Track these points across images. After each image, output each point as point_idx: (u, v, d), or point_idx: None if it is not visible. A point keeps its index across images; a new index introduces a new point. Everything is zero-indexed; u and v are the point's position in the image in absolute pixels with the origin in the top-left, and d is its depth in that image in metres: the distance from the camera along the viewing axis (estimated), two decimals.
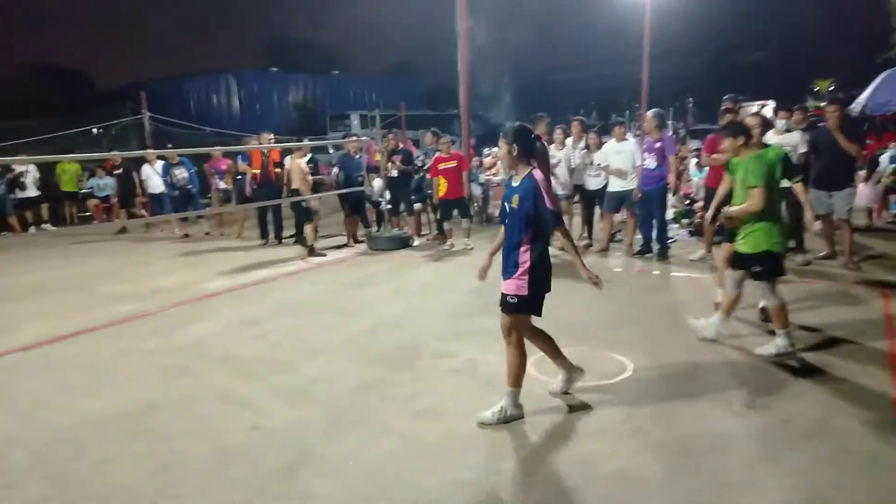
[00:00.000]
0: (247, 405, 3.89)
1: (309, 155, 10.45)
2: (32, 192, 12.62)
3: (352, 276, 7.56)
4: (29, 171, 12.44)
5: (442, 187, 8.95)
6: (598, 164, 8.30)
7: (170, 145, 14.83)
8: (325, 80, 32.84)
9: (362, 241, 9.69)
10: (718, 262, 5.69)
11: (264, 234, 10.31)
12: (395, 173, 9.61)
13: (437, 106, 31.57)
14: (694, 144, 16.04)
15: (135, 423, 3.71)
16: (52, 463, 3.27)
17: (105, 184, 13.35)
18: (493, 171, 11.99)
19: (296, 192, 8.92)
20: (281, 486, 2.96)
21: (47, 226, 13.04)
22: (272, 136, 10.59)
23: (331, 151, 15.55)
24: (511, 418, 3.51)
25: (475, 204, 11.34)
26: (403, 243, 9.33)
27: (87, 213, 14.02)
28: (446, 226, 9.24)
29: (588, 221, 9.07)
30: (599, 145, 8.52)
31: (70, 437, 3.56)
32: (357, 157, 9.93)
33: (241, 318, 5.89)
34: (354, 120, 26.10)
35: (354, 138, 10.38)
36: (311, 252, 8.81)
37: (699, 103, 31.01)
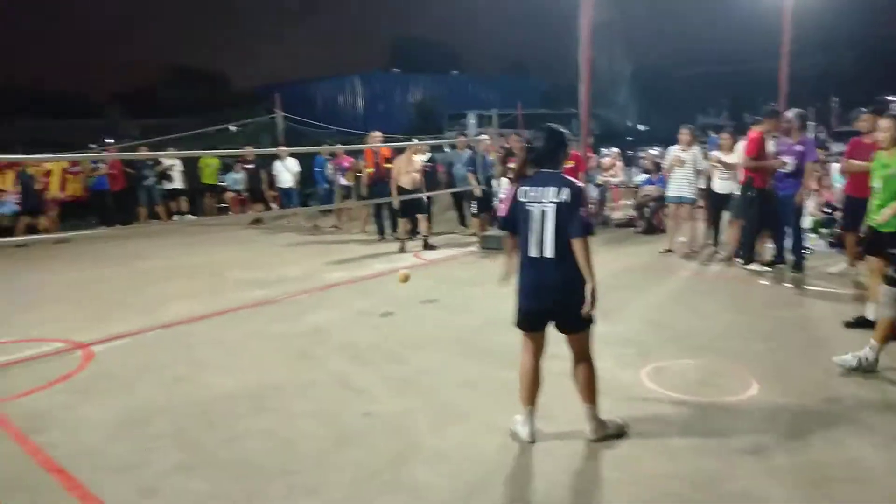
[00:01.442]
0: (361, 391, 4.06)
1: (428, 154, 10.72)
2: (178, 184, 13.86)
3: (463, 274, 7.65)
4: (175, 165, 13.67)
5: None
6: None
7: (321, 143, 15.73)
8: (445, 79, 33.47)
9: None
10: (866, 275, 5.18)
11: (381, 230, 10.69)
12: (511, 175, 9.60)
13: (554, 105, 31.16)
14: (837, 148, 14.69)
15: (262, 401, 3.98)
16: (189, 433, 3.59)
17: (240, 178, 14.42)
18: (612, 172, 11.65)
19: (404, 189, 9.15)
20: (391, 473, 3.06)
21: (189, 215, 14.25)
22: (380, 134, 10.95)
23: (447, 150, 15.79)
24: (614, 433, 3.37)
25: (590, 206, 11.09)
26: None
27: (224, 205, 15.21)
28: None
29: (714, 226, 8.58)
30: (732, 146, 8.03)
31: (205, 410, 3.88)
32: (465, 155, 10.04)
33: (358, 308, 6.14)
34: (471, 119, 26.34)
35: (485, 137, 10.49)
36: (402, 248, 9.16)
37: (845, 103, 28.31)
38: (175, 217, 13.61)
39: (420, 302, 6.33)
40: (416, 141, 10.98)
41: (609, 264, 7.91)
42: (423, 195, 9.31)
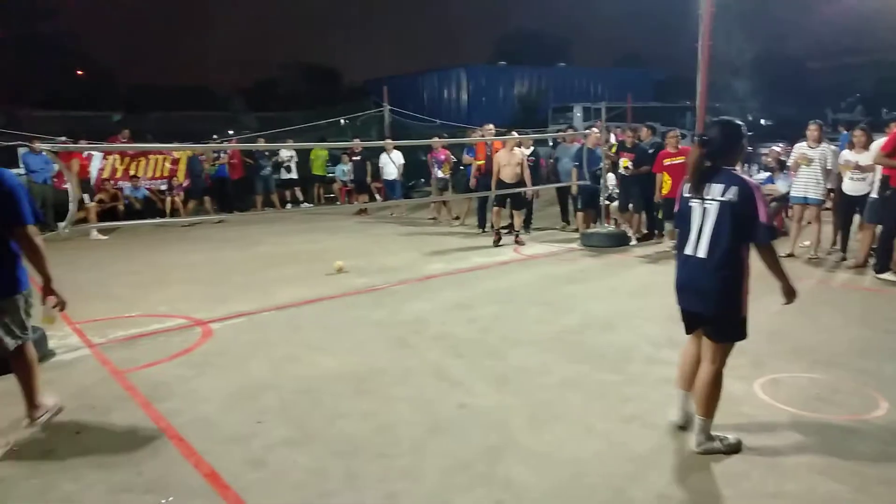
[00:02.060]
0: (457, 383, 4.09)
1: (531, 148, 10.60)
2: (294, 174, 14.59)
3: (562, 271, 7.51)
4: (293, 157, 14.39)
5: (667, 185, 8.44)
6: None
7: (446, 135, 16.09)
8: (551, 72, 32.95)
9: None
10: None
11: (482, 223, 10.71)
12: (625, 171, 9.30)
13: (666, 98, 29.83)
14: None
15: (363, 383, 4.11)
16: (295, 409, 3.77)
17: (347, 169, 14.96)
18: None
19: (503, 183, 9.08)
20: (484, 467, 3.06)
21: (306, 204, 14.92)
22: (493, 127, 10.88)
23: (550, 144, 15.55)
24: (723, 450, 3.17)
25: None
26: (620, 241, 9.00)
27: (332, 195, 15.84)
28: (669, 226, 8.70)
29: (843, 230, 7.87)
30: (867, 144, 7.32)
31: (310, 388, 4.06)
32: (573, 147, 9.80)
33: (456, 300, 6.19)
34: (577, 112, 25.75)
35: (595, 130, 10.22)
36: (497, 241, 9.17)
37: None
38: (288, 205, 14.35)
39: (518, 298, 6.28)
40: (514, 134, 10.85)
41: None
42: (524, 189, 9.21)
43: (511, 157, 9.17)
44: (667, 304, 5.81)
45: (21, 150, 11.16)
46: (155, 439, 3.41)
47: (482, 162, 10.49)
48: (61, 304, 3.54)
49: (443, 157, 12.12)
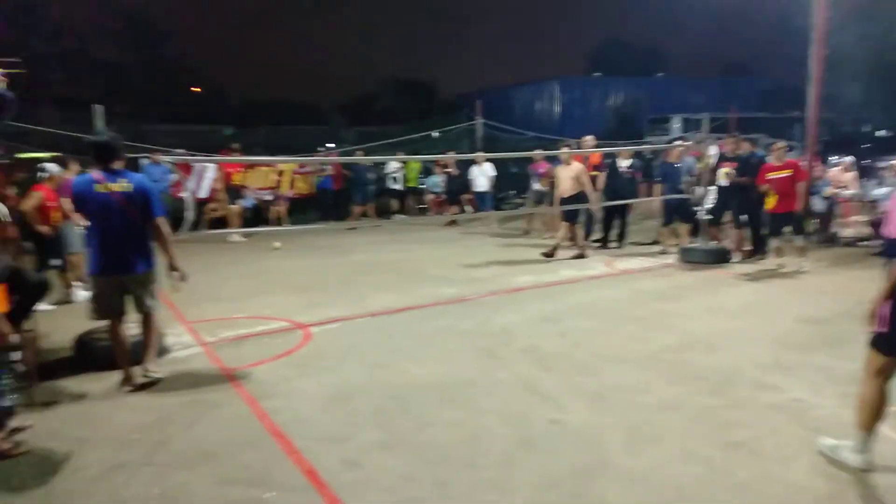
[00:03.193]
0: (547, 398, 4.04)
1: (630, 160, 10.35)
2: (399, 185, 15.02)
3: (658, 287, 7.24)
4: (400, 168, 14.85)
5: (771, 199, 7.98)
6: None
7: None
8: (648, 83, 31.98)
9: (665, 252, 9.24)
10: None
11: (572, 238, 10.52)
12: (725, 182, 8.88)
13: (773, 108, 28.17)
14: None
15: (451, 393, 4.15)
16: (385, 414, 3.86)
17: (439, 181, 15.19)
18: (843, 183, 10.24)
19: (576, 198, 8.89)
20: (576, 485, 3.00)
21: (398, 215, 15.30)
22: (593, 139, 10.66)
23: (647, 156, 15.10)
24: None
25: (814, 221, 9.87)
26: (720, 258, 8.58)
27: (424, 206, 16.13)
28: (775, 243, 8.20)
29: None
30: None
31: (400, 395, 4.15)
32: (677, 165, 9.45)
33: (545, 313, 6.12)
34: (675, 123, 24.81)
35: (678, 143, 9.90)
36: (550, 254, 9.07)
37: None
38: (395, 216, 14.76)
39: (611, 314, 6.12)
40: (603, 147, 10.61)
41: (841, 288, 6.98)
42: (583, 205, 8.95)
43: (567, 170, 9.02)
44: (772, 326, 5.54)
45: (143, 161, 12.16)
46: (259, 435, 3.60)
47: None
48: (183, 277, 4.48)
49: (542, 169, 12.03)
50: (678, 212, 9.34)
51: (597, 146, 10.85)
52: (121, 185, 4.27)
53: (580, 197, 8.95)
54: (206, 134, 19.43)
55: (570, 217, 9.27)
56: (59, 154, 6.13)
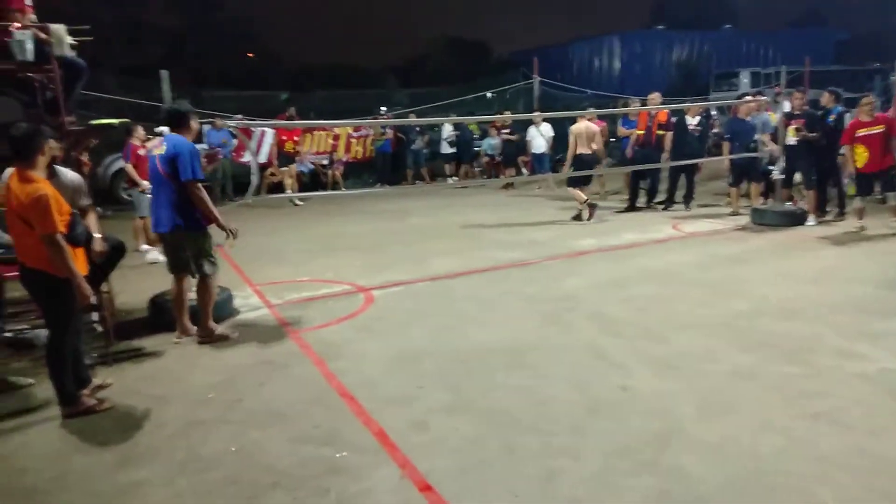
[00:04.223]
0: (615, 364, 3.95)
1: (697, 117, 9.89)
2: (447, 149, 14.88)
3: (728, 251, 6.95)
4: (454, 131, 14.68)
5: (861, 157, 7.47)
6: None
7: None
8: (714, 36, 30.27)
9: (740, 214, 8.85)
10: None
11: (634, 198, 10.22)
12: (793, 141, 8.37)
13: (850, 60, 26.35)
14: None
15: (517, 357, 4.11)
16: (451, 377, 3.86)
17: (495, 143, 14.95)
18: None
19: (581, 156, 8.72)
20: (650, 453, 2.92)
21: (453, 178, 15.20)
22: (658, 96, 10.21)
23: (713, 113, 14.39)
24: None
25: None
26: (796, 220, 8.15)
27: (479, 169, 15.95)
28: (859, 203, 7.70)
29: None
30: None
31: (464, 359, 4.14)
32: (749, 119, 8.94)
33: (610, 278, 5.98)
34: (744, 78, 23.52)
35: (749, 98, 9.36)
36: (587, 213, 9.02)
37: None
38: (450, 179, 14.69)
39: (679, 278, 5.92)
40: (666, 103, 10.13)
41: None
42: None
43: (587, 130, 8.92)
44: (854, 292, 5.24)
45: (205, 127, 12.41)
46: (328, 396, 3.66)
47: (642, 132, 9.95)
48: (233, 233, 4.56)
49: (597, 128, 11.64)
50: (748, 172, 8.89)
51: (662, 104, 10.39)
52: (160, 149, 4.45)
53: (590, 158, 9.00)
54: (262, 99, 19.67)
55: (579, 179, 9.13)
56: (126, 120, 6.28)
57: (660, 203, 9.99)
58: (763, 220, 8.23)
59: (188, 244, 4.50)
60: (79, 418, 3.49)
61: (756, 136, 8.73)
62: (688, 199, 9.88)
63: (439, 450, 3.04)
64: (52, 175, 3.76)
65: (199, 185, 4.41)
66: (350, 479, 2.82)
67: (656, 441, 3.03)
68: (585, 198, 9.13)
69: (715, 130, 12.00)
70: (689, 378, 3.73)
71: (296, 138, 12.85)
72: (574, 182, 9.22)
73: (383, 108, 17.14)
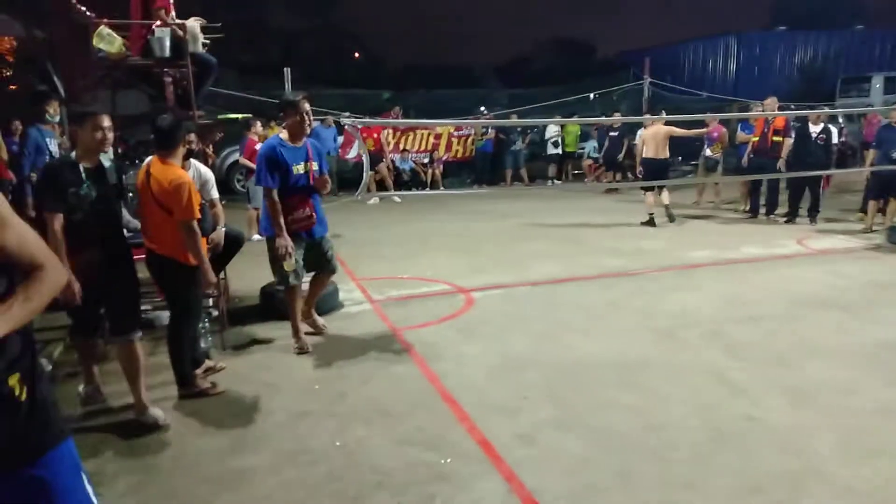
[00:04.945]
0: (740, 391, 3.63)
1: (821, 125, 9.11)
2: (559, 149, 14.62)
3: (863, 272, 6.29)
4: (558, 132, 14.42)
5: None
6: None
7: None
8: (842, 36, 27.87)
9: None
10: None
11: (755, 209, 9.57)
12: None
13: None
14: None
15: (628, 374, 3.88)
16: (558, 390, 3.69)
17: (597, 146, 14.50)
18: None
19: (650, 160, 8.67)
20: (783, 494, 2.64)
21: (555, 181, 14.87)
22: (775, 100, 9.53)
23: (840, 121, 13.22)
24: None
25: None
26: None
27: (580, 171, 15.54)
28: None
29: None
30: None
31: (572, 371, 3.95)
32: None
33: (729, 295, 5.56)
34: (876, 83, 21.52)
35: None
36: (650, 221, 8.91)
37: None
38: (554, 181, 14.45)
39: (809, 299, 5.41)
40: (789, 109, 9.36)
41: None
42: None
43: (655, 134, 8.89)
44: None
45: (315, 124, 12.85)
46: (431, 398, 3.60)
47: (757, 139, 9.32)
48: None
49: (716, 134, 11.00)
50: (892, 186, 8.04)
51: (780, 108, 9.69)
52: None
53: (660, 163, 8.99)
54: (367, 98, 20.18)
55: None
56: (248, 115, 6.56)
57: (782, 216, 9.28)
58: None
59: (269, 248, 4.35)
60: (193, 400, 3.63)
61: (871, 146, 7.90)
62: (813, 212, 9.10)
63: (548, 467, 2.89)
64: (187, 168, 3.95)
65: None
66: (455, 488, 2.74)
67: (790, 481, 2.74)
68: (653, 204, 9.00)
69: (842, 139, 11.00)
70: (826, 412, 3.36)
71: (375, 135, 12.94)
72: (647, 187, 9.10)
73: (483, 109, 17.09)
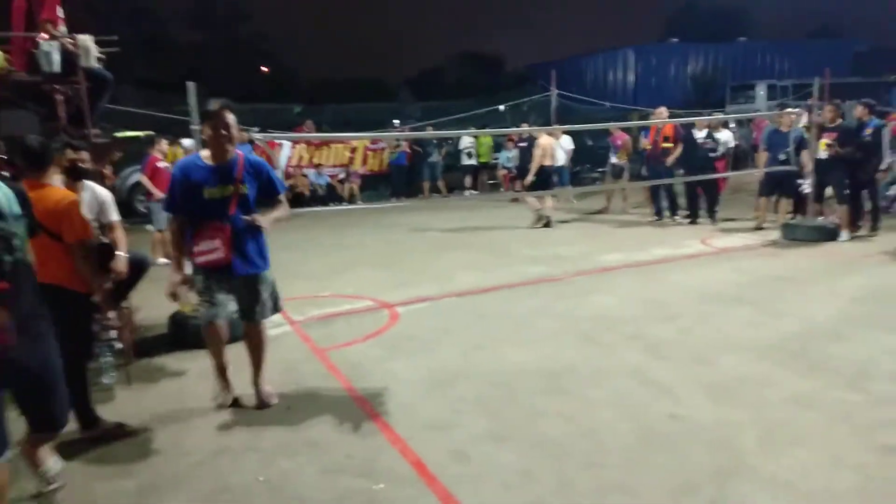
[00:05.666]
0: (664, 390, 3.71)
1: (705, 131, 9.68)
2: (473, 160, 14.79)
3: (765, 267, 6.70)
4: (472, 143, 14.59)
5: None
6: None
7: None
8: (729, 48, 30.06)
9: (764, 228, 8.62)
10: None
11: (659, 212, 10.02)
12: (824, 155, 8.12)
13: (868, 72, 26.06)
14: None
15: (556, 381, 3.89)
16: (490, 402, 3.64)
17: (512, 156, 14.78)
18: None
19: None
20: (716, 490, 2.69)
21: (471, 191, 15.01)
22: (665, 110, 10.21)
23: (731, 126, 14.17)
24: None
25: None
26: (828, 235, 7.89)
27: (495, 182, 15.78)
28: None
29: None
30: None
31: (502, 381, 3.91)
32: (785, 131, 8.72)
33: (644, 295, 5.75)
34: (760, 90, 23.31)
35: (789, 110, 9.16)
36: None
37: None
38: (467, 192, 14.55)
39: (718, 296, 5.67)
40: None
41: None
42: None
43: (549, 144, 9.79)
44: None
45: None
46: (360, 421, 3.45)
47: (649, 147, 9.88)
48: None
49: (619, 142, 11.47)
50: (782, 185, 8.65)
51: (671, 116, 10.34)
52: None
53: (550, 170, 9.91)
54: (277, 112, 19.64)
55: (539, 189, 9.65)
56: (150, 132, 6.17)
57: (685, 217, 9.79)
58: (794, 236, 7.98)
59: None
60: (98, 443, 3.30)
61: (788, 149, 8.50)
62: (712, 212, 9.66)
63: (485, 483, 2.82)
64: (81, 189, 3.62)
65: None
66: None
67: (719, 476, 2.80)
68: (539, 206, 9.80)
69: (736, 143, 11.77)
70: (747, 406, 3.48)
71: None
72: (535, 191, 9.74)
73: (396, 121, 17.05)
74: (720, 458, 2.95)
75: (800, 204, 8.61)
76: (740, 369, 3.97)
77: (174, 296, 3.64)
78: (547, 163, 9.76)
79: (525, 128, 13.67)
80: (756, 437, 3.12)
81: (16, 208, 2.37)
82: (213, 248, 3.43)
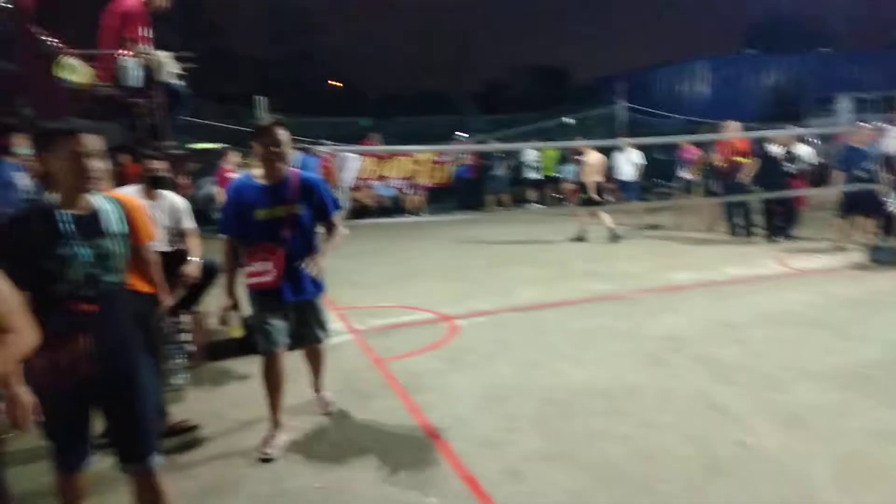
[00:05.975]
0: (731, 416, 3.54)
1: (783, 148, 9.25)
2: (539, 174, 14.74)
3: (848, 291, 6.29)
4: (538, 157, 14.58)
5: None
6: None
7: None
8: (810, 59, 28.73)
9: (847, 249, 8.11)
10: None
11: (733, 230, 9.63)
12: None
13: None
14: None
15: (617, 401, 3.78)
16: (546, 420, 3.57)
17: (576, 169, 14.59)
18: None
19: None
20: None
21: (537, 205, 14.94)
22: (736, 124, 9.79)
23: (813, 140, 13.49)
24: None
25: None
26: None
27: (560, 196, 15.60)
28: None
29: None
30: None
31: (560, 399, 3.84)
32: (866, 148, 8.23)
33: (715, 317, 5.51)
34: (843, 103, 22.10)
35: (863, 125, 8.64)
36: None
37: None
38: (533, 205, 14.50)
39: (794, 319, 5.37)
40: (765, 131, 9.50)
41: None
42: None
43: (595, 161, 9.69)
44: None
45: (297, 153, 12.77)
46: (415, 433, 3.46)
47: (722, 162, 9.52)
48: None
49: (690, 156, 11.13)
50: (861, 204, 8.14)
51: (745, 130, 9.91)
52: None
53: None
54: (346, 126, 20.17)
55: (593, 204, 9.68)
56: (224, 145, 6.47)
57: (761, 236, 9.37)
58: (880, 258, 7.46)
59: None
60: (163, 439, 3.44)
61: (869, 166, 8.01)
62: (788, 231, 9.20)
63: None
64: (158, 198, 3.82)
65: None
66: None
67: None
68: (587, 220, 9.85)
69: (820, 160, 11.20)
70: (821, 436, 3.27)
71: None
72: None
73: (464, 134, 17.17)
74: (789, 491, 2.78)
75: (889, 224, 8.07)
76: (815, 397, 3.74)
77: (223, 320, 3.50)
78: (597, 179, 9.73)
79: (582, 142, 13.49)
80: (830, 471, 2.92)
81: (121, 226, 2.26)
82: (264, 271, 3.29)
